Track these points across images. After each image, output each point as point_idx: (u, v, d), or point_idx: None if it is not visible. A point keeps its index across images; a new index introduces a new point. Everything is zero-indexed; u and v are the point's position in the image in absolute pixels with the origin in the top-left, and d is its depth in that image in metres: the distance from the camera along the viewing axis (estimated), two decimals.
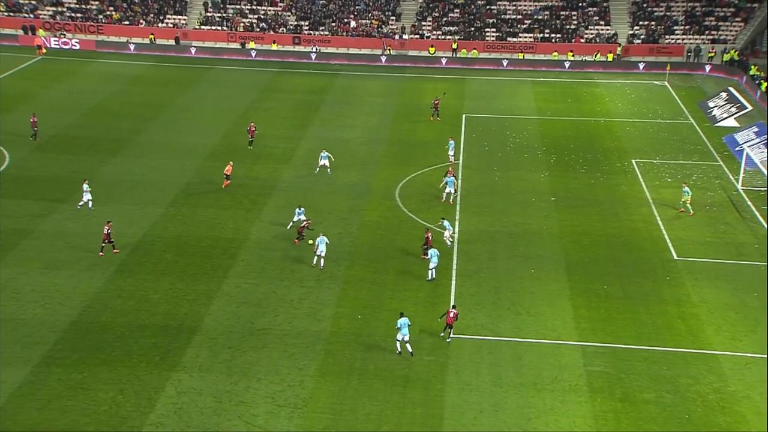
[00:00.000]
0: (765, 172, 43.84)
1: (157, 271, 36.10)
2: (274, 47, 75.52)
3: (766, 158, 46.07)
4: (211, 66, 71.59)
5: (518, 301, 34.22)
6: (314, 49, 74.84)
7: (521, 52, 73.71)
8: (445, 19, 78.10)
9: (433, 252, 35.62)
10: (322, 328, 31.95)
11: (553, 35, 75.61)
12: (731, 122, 56.35)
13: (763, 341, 31.70)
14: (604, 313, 33.42)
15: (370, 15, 78.71)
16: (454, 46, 74.31)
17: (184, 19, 79.26)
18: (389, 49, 74.61)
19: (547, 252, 38.51)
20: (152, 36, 76.61)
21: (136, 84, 65.78)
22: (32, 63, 70.91)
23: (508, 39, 75.39)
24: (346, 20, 78.14)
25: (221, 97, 62.33)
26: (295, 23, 78.36)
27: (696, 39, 73.96)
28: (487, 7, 78.48)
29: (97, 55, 74.20)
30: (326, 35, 76.92)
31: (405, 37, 76.11)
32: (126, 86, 64.96)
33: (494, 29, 76.58)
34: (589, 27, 76.09)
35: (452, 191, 43.11)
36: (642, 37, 74.69)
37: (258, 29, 77.51)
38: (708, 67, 70.96)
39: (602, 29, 75.82)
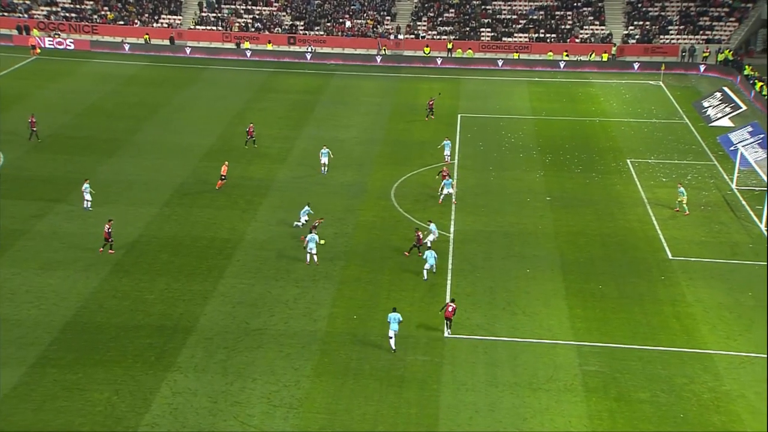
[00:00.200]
0: (759, 171, 43.95)
1: (152, 271, 36.06)
2: (269, 47, 75.47)
3: (760, 158, 46.22)
4: (206, 66, 71.52)
5: (514, 300, 34.26)
6: (309, 49, 74.80)
7: (516, 52, 73.79)
8: (440, 19, 78.14)
9: (429, 253, 35.65)
10: (318, 328, 31.95)
11: (548, 35, 75.71)
12: (726, 122, 56.51)
13: (757, 340, 31.79)
14: (599, 313, 33.48)
15: (365, 15, 78.73)
16: (450, 46, 74.35)
17: (179, 19, 79.17)
18: (384, 49, 74.62)
19: (542, 252, 38.56)
20: (147, 36, 76.51)
21: (131, 84, 65.68)
22: (27, 63, 70.76)
23: (504, 39, 75.47)
24: (341, 20, 78.15)
25: (216, 97, 62.27)
26: (290, 23, 78.33)
27: (690, 39, 74.14)
28: (482, 7, 78.56)
29: (91, 55, 74.06)
30: (321, 35, 76.92)
31: (400, 37, 76.13)
32: (121, 86, 64.86)
33: (489, 29, 76.64)
34: (584, 27, 76.21)
35: (451, 192, 43.08)
36: (637, 37, 74.83)
37: (253, 29, 77.47)
38: (702, 67, 71.12)
39: (597, 29, 75.94)
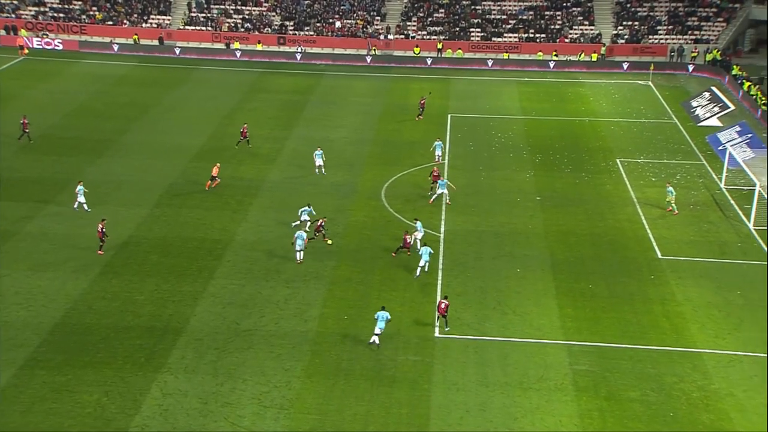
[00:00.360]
0: (747, 171, 44.17)
1: (142, 272, 35.94)
2: (259, 47, 75.34)
3: (748, 157, 46.46)
4: (196, 66, 71.34)
5: (504, 300, 34.32)
6: (299, 50, 74.72)
7: (506, 52, 73.91)
8: (430, 19, 78.19)
9: (425, 249, 35.77)
10: (309, 329, 31.92)
11: (537, 35, 75.88)
12: (714, 122, 56.77)
13: (745, 339, 31.97)
14: (589, 312, 33.58)
15: (355, 15, 78.70)
16: (439, 46, 74.41)
17: (168, 20, 78.92)
18: (374, 50, 74.61)
19: (532, 251, 38.65)
20: (136, 36, 76.23)
21: (121, 84, 65.45)
22: (14, 63, 70.39)
23: (493, 39, 75.59)
24: (331, 20, 78.09)
25: (206, 98, 62.12)
26: (280, 23, 78.21)
27: (679, 39, 74.45)
28: (472, 7, 78.65)
29: (80, 55, 73.75)
30: (311, 35, 76.84)
31: (390, 37, 76.14)
32: (110, 86, 64.62)
33: (479, 29, 76.75)
34: (574, 27, 76.42)
35: (445, 192, 43.12)
36: (626, 37, 75.09)
37: (243, 29, 77.32)
38: (691, 67, 71.43)
39: (586, 29, 76.16)
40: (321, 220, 38.38)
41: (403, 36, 76.57)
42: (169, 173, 46.89)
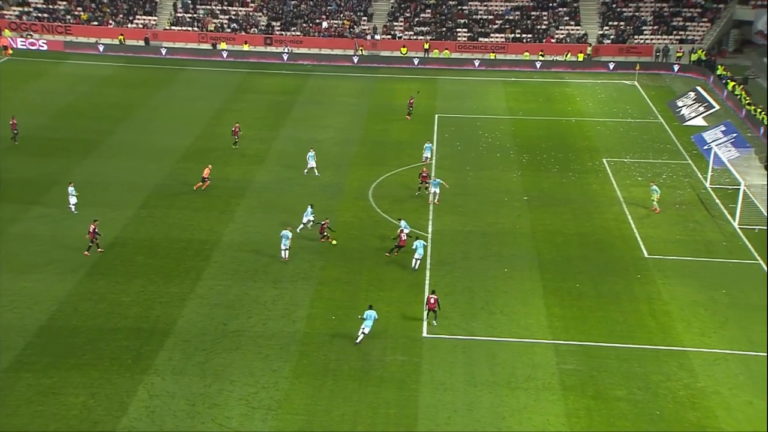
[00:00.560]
0: (732, 170, 44.44)
1: (128, 273, 35.78)
2: (246, 48, 75.17)
3: (733, 157, 46.74)
4: (182, 67, 71.08)
5: (492, 300, 34.40)
6: (286, 50, 74.61)
7: (493, 53, 74.09)
8: (416, 19, 78.25)
9: (418, 243, 36.07)
10: (297, 329, 31.88)
11: (524, 35, 76.08)
12: (699, 121, 57.07)
13: (731, 337, 32.18)
14: (576, 312, 33.70)
15: (341, 15, 78.65)
16: (426, 46, 74.49)
17: (154, 20, 78.60)
18: (361, 50, 74.60)
19: (520, 251, 38.75)
20: (122, 37, 75.88)
21: (107, 85, 65.12)
22: None
23: (480, 39, 75.74)
24: (317, 20, 78.01)
25: (193, 98, 61.91)
26: (267, 24, 78.05)
27: (664, 39, 74.86)
28: (459, 7, 78.77)
29: (65, 56, 73.32)
30: (298, 35, 76.73)
31: (377, 37, 76.15)
32: (96, 87, 64.29)
33: (466, 29, 76.89)
34: (560, 27, 76.69)
35: (437, 192, 43.18)
36: (611, 37, 75.43)
37: (229, 30, 77.10)
38: (676, 67, 71.84)
39: (572, 29, 76.45)
40: (324, 222, 38.32)
41: (389, 36, 76.61)
42: (156, 174, 46.70)
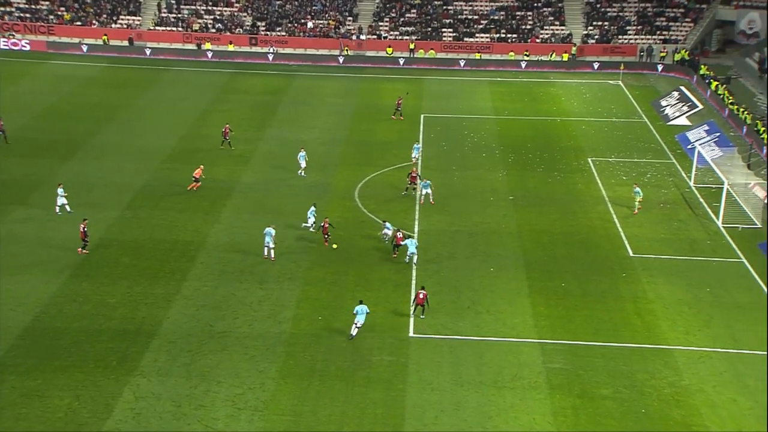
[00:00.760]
0: (716, 169, 44.73)
1: (113, 274, 35.58)
2: (231, 48, 74.93)
3: (717, 156, 47.07)
4: (167, 67, 70.75)
5: (478, 299, 34.46)
6: (271, 50, 74.44)
7: (478, 53, 74.24)
8: (402, 19, 78.29)
9: (410, 242, 36.36)
10: (283, 330, 31.81)
11: (509, 35, 76.29)
12: (683, 121, 57.49)
13: (714, 335, 32.40)
14: (562, 311, 33.82)
15: (326, 15, 78.57)
16: (412, 46, 74.54)
17: (138, 20, 78.19)
18: (347, 50, 74.55)
19: (506, 251, 38.85)
20: (105, 37, 75.44)
21: (90, 85, 64.74)
22: None
23: (465, 39, 75.88)
24: (302, 21, 77.88)
25: (178, 99, 61.65)
26: (252, 24, 77.85)
27: (648, 39, 75.27)
28: (444, 7, 78.89)
29: (48, 56, 72.82)
30: (283, 36, 76.58)
31: (362, 37, 76.12)
32: (80, 87, 63.90)
33: (451, 29, 77.00)
34: (545, 27, 76.95)
35: (429, 192, 43.22)
36: (596, 37, 75.78)
37: (214, 30, 76.84)
38: (660, 67, 72.25)
39: (557, 29, 76.73)
40: (324, 222, 38.23)
41: (375, 36, 76.60)
42: (141, 175, 46.46)
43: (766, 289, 35.82)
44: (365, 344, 30.85)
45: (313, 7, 79.16)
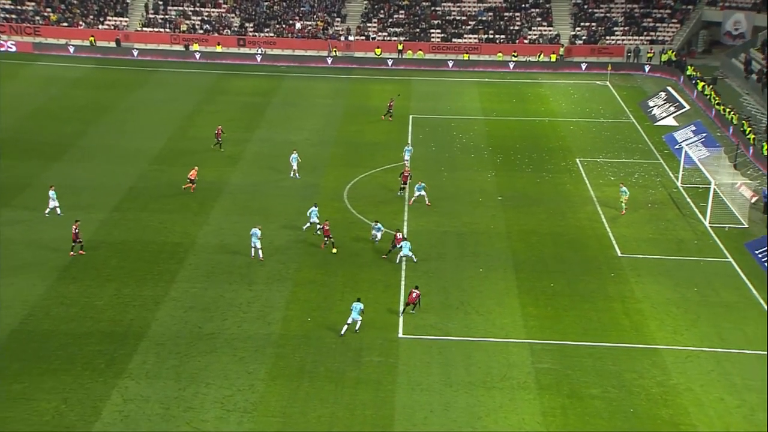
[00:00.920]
0: (703, 169, 44.98)
1: (101, 277, 35.42)
2: (219, 49, 74.76)
3: (703, 156, 47.34)
4: (155, 68, 70.51)
5: (467, 300, 34.51)
6: (259, 51, 74.32)
7: (466, 53, 74.37)
8: (390, 20, 78.34)
9: (405, 244, 36.55)
10: (272, 331, 31.76)
11: (497, 36, 76.48)
12: (670, 121, 57.78)
13: (702, 335, 32.57)
14: (551, 311, 33.92)
15: (315, 16, 78.53)
16: (400, 47, 74.59)
17: (126, 21, 77.90)
18: (335, 51, 74.53)
19: (494, 251, 38.92)
20: (92, 38, 75.11)
21: (77, 87, 64.43)
22: None
23: (453, 40, 76.00)
24: (291, 22, 77.81)
25: (165, 100, 61.45)
26: (240, 25, 77.69)
27: (635, 40, 75.62)
28: (432, 8, 78.99)
29: (34, 57, 72.44)
30: (271, 37, 76.47)
31: (351, 38, 76.12)
32: (66, 89, 63.59)
33: (439, 30, 77.12)
34: (533, 28, 77.17)
35: (423, 194, 43.23)
36: (584, 38, 76.07)
37: (202, 31, 76.65)
38: (647, 68, 72.59)
39: (545, 30, 76.98)
40: (324, 225, 38.12)
41: (363, 37, 76.61)
42: (128, 177, 46.29)
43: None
44: (354, 345, 30.85)
45: (302, 8, 79.09)
